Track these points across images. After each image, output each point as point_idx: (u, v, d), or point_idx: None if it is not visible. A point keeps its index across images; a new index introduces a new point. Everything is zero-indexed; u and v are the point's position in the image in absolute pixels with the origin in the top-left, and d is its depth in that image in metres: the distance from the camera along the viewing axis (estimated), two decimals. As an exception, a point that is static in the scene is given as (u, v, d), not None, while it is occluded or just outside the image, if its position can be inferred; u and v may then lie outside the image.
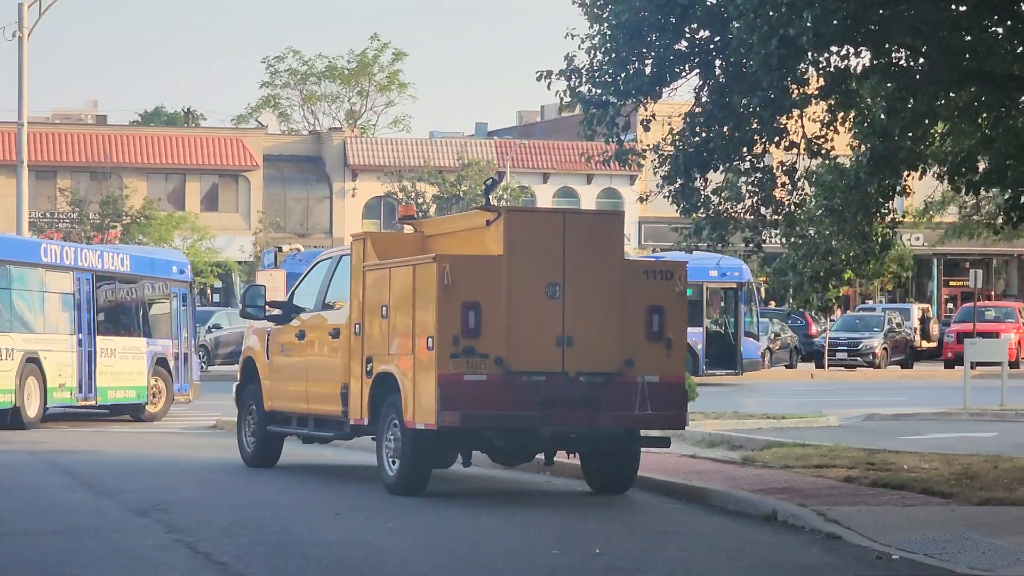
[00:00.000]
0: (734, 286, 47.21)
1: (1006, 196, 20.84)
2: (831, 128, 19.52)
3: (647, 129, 19.04)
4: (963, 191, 21.20)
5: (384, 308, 18.51)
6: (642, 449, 18.72)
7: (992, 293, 76.64)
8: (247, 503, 17.46)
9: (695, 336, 46.22)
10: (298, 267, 31.79)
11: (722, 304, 48.12)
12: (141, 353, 32.43)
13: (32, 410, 29.27)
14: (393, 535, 15.01)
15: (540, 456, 19.10)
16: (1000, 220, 21.37)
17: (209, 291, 71.58)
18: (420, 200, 66.58)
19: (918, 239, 72.16)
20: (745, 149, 18.89)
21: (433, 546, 14.36)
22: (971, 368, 33.46)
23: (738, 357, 46.84)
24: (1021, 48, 18.62)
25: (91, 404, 31.38)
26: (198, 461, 22.73)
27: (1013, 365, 47.95)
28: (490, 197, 20.41)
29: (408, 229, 20.91)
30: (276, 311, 21.47)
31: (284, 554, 13.64)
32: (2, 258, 29.31)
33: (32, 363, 29.25)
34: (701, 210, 19.53)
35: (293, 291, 21.79)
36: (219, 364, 52.84)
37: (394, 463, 18.17)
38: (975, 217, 60.24)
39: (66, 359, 30.24)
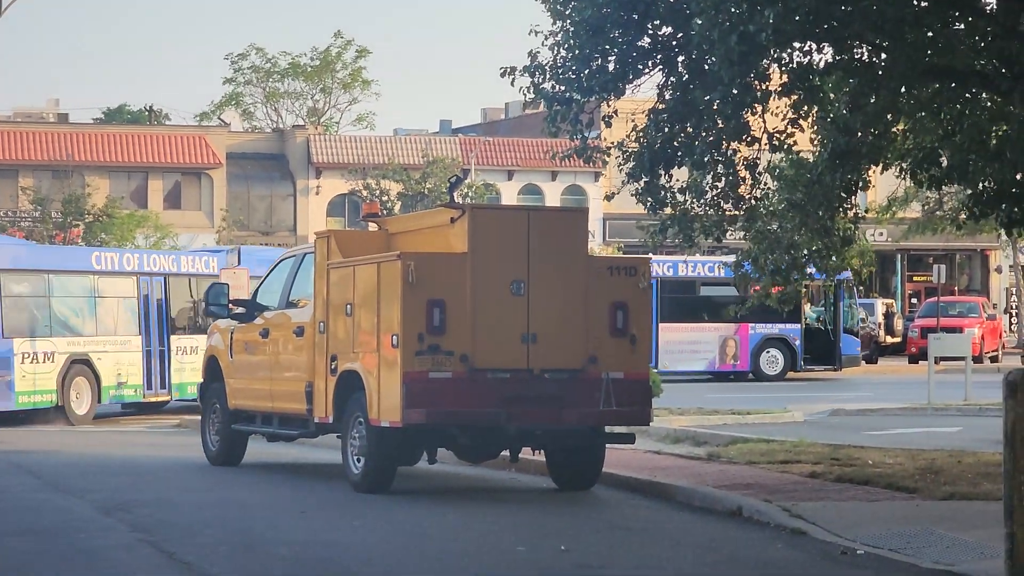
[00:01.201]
0: (832, 282, 46.92)
1: (968, 191, 20.90)
2: (795, 124, 19.54)
3: (608, 125, 19.04)
4: (925, 186, 21.25)
5: (349, 306, 18.48)
6: (607, 445, 18.73)
7: (955, 288, 76.84)
8: (212, 502, 17.41)
9: (793, 332, 46.11)
10: None
11: (821, 300, 47.85)
12: None
13: (82, 408, 31.35)
14: (358, 533, 14.99)
15: (505, 453, 19.11)
16: (962, 215, 21.43)
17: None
18: (384, 198, 66.37)
19: (882, 235, 72.34)
20: (712, 147, 18.87)
21: (398, 544, 14.34)
22: (935, 363, 33.54)
23: (837, 353, 46.91)
24: (982, 44, 18.66)
25: (163, 399, 33.40)
26: (162, 460, 22.67)
27: (977, 360, 48.11)
28: (454, 194, 20.41)
29: (372, 227, 20.89)
30: (240, 309, 21.44)
31: (249, 553, 13.61)
32: (40, 268, 31.24)
33: (81, 364, 31.19)
34: (668, 207, 19.53)
35: (257, 289, 21.74)
36: None
37: (359, 461, 18.15)
38: (938, 213, 60.46)
39: (127, 359, 32.25)
